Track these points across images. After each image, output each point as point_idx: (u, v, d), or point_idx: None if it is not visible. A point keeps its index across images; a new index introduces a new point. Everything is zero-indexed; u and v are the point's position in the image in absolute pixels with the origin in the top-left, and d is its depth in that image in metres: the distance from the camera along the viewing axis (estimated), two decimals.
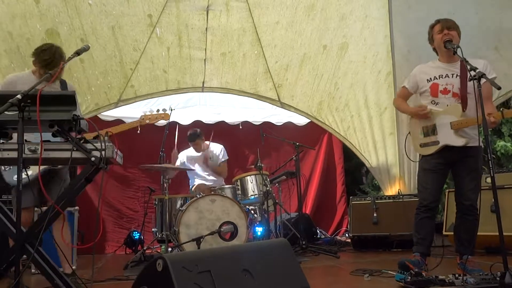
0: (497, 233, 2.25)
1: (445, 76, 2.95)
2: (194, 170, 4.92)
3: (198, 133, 4.97)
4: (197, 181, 4.97)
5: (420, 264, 2.79)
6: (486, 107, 2.50)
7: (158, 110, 3.11)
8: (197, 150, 4.98)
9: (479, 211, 2.72)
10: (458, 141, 2.83)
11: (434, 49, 3.07)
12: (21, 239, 1.84)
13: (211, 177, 4.99)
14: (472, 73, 2.46)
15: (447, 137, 2.86)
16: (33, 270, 3.57)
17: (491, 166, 2.31)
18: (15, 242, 1.85)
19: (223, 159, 5.06)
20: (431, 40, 3.03)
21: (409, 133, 3.17)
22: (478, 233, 2.82)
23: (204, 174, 4.98)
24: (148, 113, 3.05)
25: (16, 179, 2.68)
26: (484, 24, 4.37)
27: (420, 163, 3.06)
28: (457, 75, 2.92)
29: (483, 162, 3.01)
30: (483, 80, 2.45)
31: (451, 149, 2.86)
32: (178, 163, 4.97)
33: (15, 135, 2.00)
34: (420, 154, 3.04)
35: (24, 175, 2.71)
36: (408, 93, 3.19)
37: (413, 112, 3.08)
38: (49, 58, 2.69)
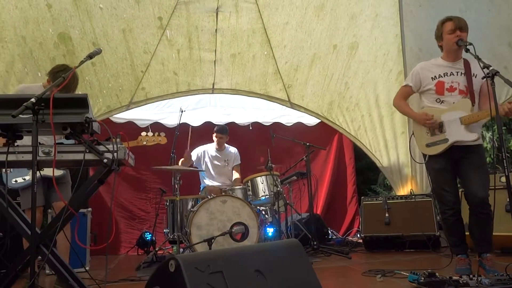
0: None
1: (450, 74, 2.90)
2: (203, 171, 4.92)
3: (226, 128, 5.09)
4: (208, 182, 4.98)
5: (470, 265, 2.78)
6: (488, 104, 2.44)
7: (159, 134, 3.16)
8: (220, 146, 5.00)
9: (493, 207, 2.65)
10: (470, 136, 2.76)
11: (440, 46, 3.00)
12: (36, 241, 1.87)
13: (223, 179, 4.99)
14: (486, 71, 2.42)
15: (457, 134, 2.79)
16: (47, 271, 3.62)
17: (505, 165, 2.28)
18: (30, 243, 1.88)
19: (236, 163, 5.08)
20: (440, 37, 2.95)
21: (413, 134, 3.08)
22: (493, 233, 2.77)
23: (216, 175, 4.99)
24: (145, 134, 3.10)
25: (15, 182, 2.76)
26: (497, 20, 4.30)
27: (429, 164, 2.97)
28: (461, 73, 2.87)
29: (497, 161, 2.96)
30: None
31: (456, 146, 2.80)
32: (194, 157, 4.98)
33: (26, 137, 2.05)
34: (427, 155, 2.95)
35: (24, 178, 2.80)
36: (411, 91, 3.10)
37: (417, 118, 2.97)
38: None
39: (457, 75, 2.88)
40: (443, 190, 2.89)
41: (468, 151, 2.81)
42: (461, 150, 2.82)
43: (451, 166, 2.89)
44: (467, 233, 2.93)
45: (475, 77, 2.84)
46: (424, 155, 2.99)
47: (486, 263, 2.69)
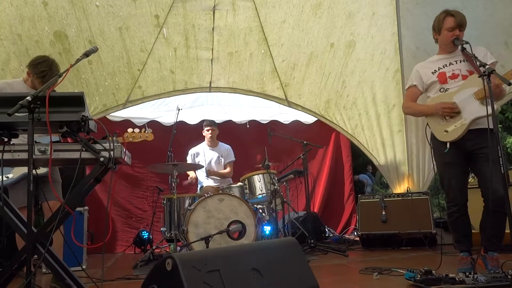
0: (509, 231, 2.21)
1: (449, 64, 2.87)
2: (203, 166, 4.90)
3: (215, 121, 5.09)
4: (205, 181, 4.97)
5: (472, 264, 2.71)
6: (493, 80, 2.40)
7: (144, 130, 3.12)
8: (213, 139, 4.98)
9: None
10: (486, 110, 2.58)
11: (436, 39, 2.97)
12: (32, 239, 1.86)
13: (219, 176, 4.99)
14: (482, 69, 2.42)
15: (474, 110, 2.67)
16: (44, 270, 3.61)
17: (502, 163, 2.28)
18: (26, 242, 1.87)
19: (229, 160, 5.08)
20: (438, 31, 2.91)
21: (427, 125, 2.95)
22: None
23: (214, 172, 4.98)
24: (131, 131, 3.08)
25: None
26: (494, 19, 4.32)
27: (438, 158, 2.88)
28: (460, 61, 2.84)
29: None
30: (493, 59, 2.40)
31: (471, 133, 2.71)
32: (190, 160, 4.97)
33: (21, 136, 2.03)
34: (447, 143, 2.78)
35: (7, 176, 2.76)
36: (418, 91, 3.01)
37: (434, 110, 2.82)
38: (46, 70, 2.81)
39: (456, 63, 2.85)
40: (450, 185, 2.82)
41: (483, 143, 2.66)
42: (475, 139, 2.70)
43: (462, 160, 2.80)
44: (475, 231, 2.89)
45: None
46: (443, 144, 2.81)
47: (490, 261, 2.65)
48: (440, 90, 2.88)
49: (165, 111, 5.90)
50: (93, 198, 5.07)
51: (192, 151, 5.03)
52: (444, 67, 2.89)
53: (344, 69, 5.17)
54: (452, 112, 2.74)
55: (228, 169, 5.04)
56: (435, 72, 2.91)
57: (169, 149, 4.54)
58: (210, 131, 4.97)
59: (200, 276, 1.50)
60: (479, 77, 2.49)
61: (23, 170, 2.76)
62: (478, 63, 2.47)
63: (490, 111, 2.37)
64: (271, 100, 5.53)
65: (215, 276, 1.54)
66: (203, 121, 5.29)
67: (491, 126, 2.40)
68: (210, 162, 4.99)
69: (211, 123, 5.04)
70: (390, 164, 5.55)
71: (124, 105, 4.99)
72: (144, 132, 3.08)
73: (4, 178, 2.77)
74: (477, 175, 2.83)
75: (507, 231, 2.25)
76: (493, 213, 2.65)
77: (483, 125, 2.67)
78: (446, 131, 2.78)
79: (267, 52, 5.00)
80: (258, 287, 1.65)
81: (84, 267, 3.65)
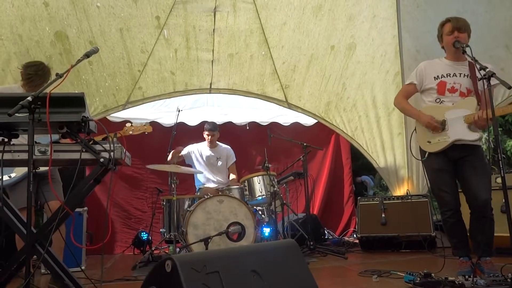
0: (508, 234, 2.21)
1: (453, 75, 2.88)
2: (202, 173, 4.88)
3: (216, 125, 5.00)
4: (203, 181, 4.95)
5: (472, 268, 2.70)
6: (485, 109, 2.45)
7: (144, 124, 3.21)
8: (212, 143, 4.93)
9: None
10: (471, 136, 2.71)
11: (443, 48, 2.99)
12: (31, 240, 1.86)
13: (218, 178, 4.97)
14: (482, 72, 2.43)
15: (459, 132, 2.74)
16: (42, 270, 3.61)
17: (501, 166, 2.28)
18: (25, 242, 1.87)
19: (231, 162, 5.04)
20: (440, 39, 2.95)
21: (415, 130, 3.01)
22: None
23: (211, 174, 4.97)
24: (130, 125, 3.13)
25: None
26: (494, 22, 4.33)
27: (427, 164, 2.92)
28: (465, 75, 2.85)
29: (493, 162, 2.94)
30: (494, 81, 2.42)
31: (456, 145, 2.77)
32: (185, 152, 4.87)
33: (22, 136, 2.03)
34: (426, 152, 2.90)
35: (10, 175, 2.76)
36: (414, 90, 3.04)
37: (421, 118, 2.89)
38: (32, 74, 2.83)
39: (460, 76, 2.86)
40: (442, 191, 2.84)
41: (467, 152, 2.77)
42: (460, 149, 2.77)
43: (450, 166, 2.84)
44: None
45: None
46: (424, 152, 2.92)
47: (485, 266, 2.66)
48: (436, 100, 2.91)
49: (165, 112, 5.90)
50: (92, 198, 5.06)
51: (190, 147, 4.96)
52: (447, 76, 2.89)
53: (345, 71, 5.18)
54: (435, 129, 2.82)
55: (234, 176, 4.96)
56: (437, 78, 2.91)
57: (168, 150, 4.54)
58: (209, 136, 4.91)
59: (200, 278, 1.50)
60: (479, 80, 2.50)
61: (25, 169, 2.75)
62: (478, 66, 2.48)
63: (490, 114, 2.39)
64: (271, 102, 5.54)
65: (214, 278, 1.53)
66: (203, 122, 5.25)
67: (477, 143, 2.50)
68: (207, 161, 4.94)
69: (211, 128, 4.89)
70: (390, 167, 5.55)
71: (124, 106, 4.99)
72: (143, 125, 3.15)
73: (7, 178, 2.77)
74: (461, 181, 2.87)
75: (506, 234, 2.25)
76: (479, 219, 2.70)
77: (469, 143, 2.75)
78: (429, 142, 2.88)
79: (267, 54, 5.01)
80: None
81: (83, 268, 3.64)
